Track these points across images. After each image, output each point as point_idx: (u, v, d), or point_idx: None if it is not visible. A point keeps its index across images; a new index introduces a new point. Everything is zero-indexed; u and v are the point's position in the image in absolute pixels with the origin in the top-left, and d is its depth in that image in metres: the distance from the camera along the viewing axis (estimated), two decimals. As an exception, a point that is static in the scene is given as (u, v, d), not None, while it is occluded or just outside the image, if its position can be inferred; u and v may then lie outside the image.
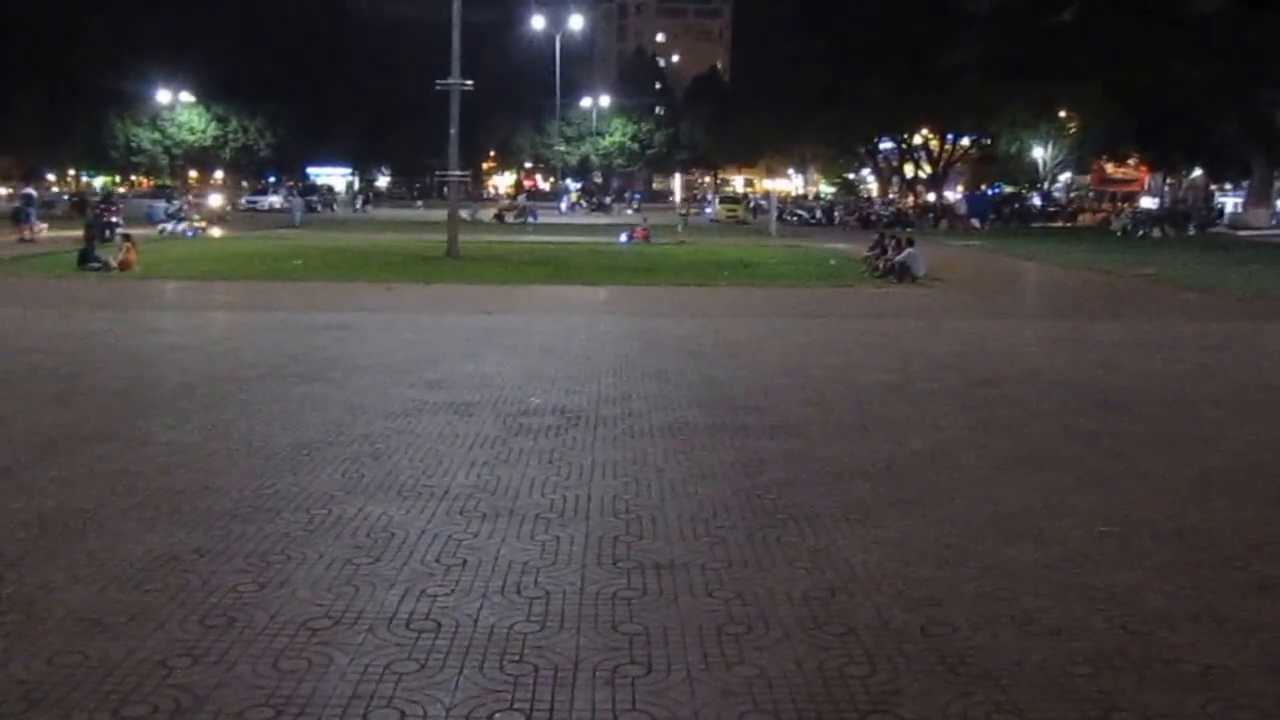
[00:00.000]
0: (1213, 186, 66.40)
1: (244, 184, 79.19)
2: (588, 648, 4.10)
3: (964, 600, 4.61)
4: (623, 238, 34.42)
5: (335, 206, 67.06)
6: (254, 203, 63.18)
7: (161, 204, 42.96)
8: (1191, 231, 47.58)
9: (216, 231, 35.96)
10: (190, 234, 34.36)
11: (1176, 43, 43.64)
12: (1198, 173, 66.57)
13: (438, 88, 27.84)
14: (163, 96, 71.97)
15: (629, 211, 64.30)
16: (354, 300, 16.89)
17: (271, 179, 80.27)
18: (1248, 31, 41.14)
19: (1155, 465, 6.98)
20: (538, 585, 4.73)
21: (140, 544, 5.19)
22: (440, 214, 35.66)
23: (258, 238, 34.43)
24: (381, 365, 10.52)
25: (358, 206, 66.18)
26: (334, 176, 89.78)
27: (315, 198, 65.88)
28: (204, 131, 78.10)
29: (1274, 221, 51.30)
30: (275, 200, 61.79)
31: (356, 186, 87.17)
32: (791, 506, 5.94)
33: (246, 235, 36.09)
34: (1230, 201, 61.21)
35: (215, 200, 44.69)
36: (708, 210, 64.94)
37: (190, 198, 46.52)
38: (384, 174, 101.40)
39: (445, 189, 31.95)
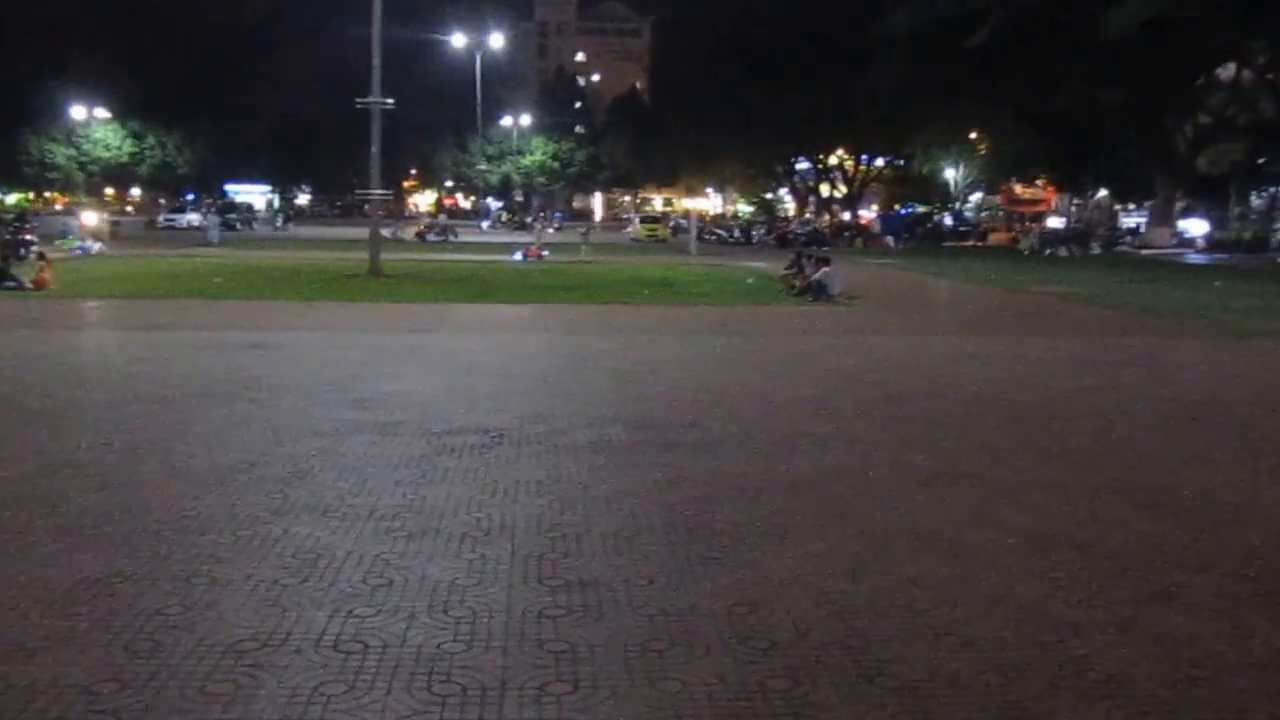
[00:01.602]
0: (1117, 207, 68.77)
1: (161, 201, 77.47)
2: (515, 666, 4.15)
3: (881, 613, 4.76)
4: (517, 255, 34.61)
5: (255, 224, 66.03)
6: (172, 221, 61.82)
7: (76, 222, 41.92)
8: (1096, 250, 49.27)
9: (97, 247, 35.21)
10: (79, 251, 33.41)
11: (1083, 67, 45.24)
12: (1103, 193, 68.90)
13: (358, 106, 27.61)
14: (77, 113, 70.21)
15: (550, 231, 64.42)
16: (276, 319, 16.67)
17: (190, 197, 78.70)
18: (1150, 57, 42.83)
19: (1064, 478, 7.25)
20: (464, 604, 4.77)
21: (63, 568, 5.12)
22: (362, 232, 35.36)
23: (176, 256, 33.69)
24: (305, 385, 10.44)
25: (278, 224, 65.29)
26: (254, 194, 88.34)
27: (235, 215, 64.69)
28: (120, 148, 76.37)
29: (1174, 241, 53.35)
30: (194, 218, 60.56)
31: (277, 204, 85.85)
32: (713, 522, 6.06)
33: (164, 254, 35.30)
34: (1134, 221, 63.51)
35: (90, 219, 43.67)
36: (628, 230, 65.37)
37: (84, 215, 45.19)
38: (304, 192, 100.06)
39: (367, 207, 31.66)
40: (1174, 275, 32.78)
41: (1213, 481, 7.28)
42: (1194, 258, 45.51)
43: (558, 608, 4.75)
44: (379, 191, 28.91)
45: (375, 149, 27.25)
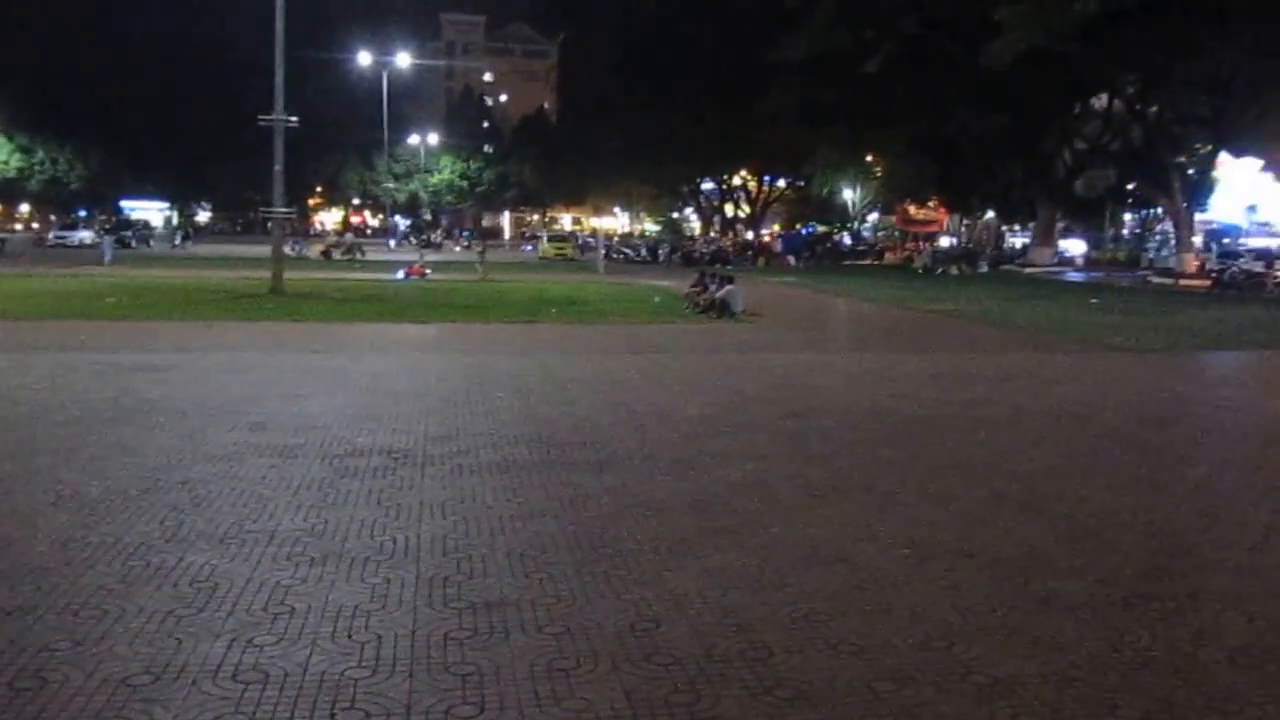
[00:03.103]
0: (1003, 227, 71.22)
1: (52, 218, 74.67)
2: (420, 690, 4.14)
3: (780, 625, 4.88)
4: (400, 274, 34.31)
5: (152, 242, 64.14)
6: (63, 238, 59.67)
7: None
8: (984, 269, 51.04)
9: None
10: None
11: (968, 95, 46.98)
12: (990, 214, 71.26)
13: (261, 123, 27.06)
14: None
15: (457, 249, 64.08)
16: (172, 340, 16.21)
17: (83, 213, 76.07)
18: (1030, 87, 44.71)
19: (951, 489, 7.50)
20: (368, 629, 4.74)
21: (-59, 603, 4.93)
22: (264, 250, 34.62)
23: (68, 275, 32.47)
24: (202, 407, 10.20)
25: (177, 242, 63.54)
26: (151, 211, 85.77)
27: (130, 233, 62.65)
28: (6, 163, 73.46)
29: (1055, 259, 55.64)
30: (86, 236, 58.51)
31: (175, 221, 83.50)
32: (617, 540, 6.13)
33: (55, 273, 34.01)
34: (1019, 241, 66.01)
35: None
36: (526, 248, 65.36)
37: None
38: (205, 209, 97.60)
39: (270, 225, 31.08)
40: (1055, 293, 34.05)
41: (1088, 490, 7.61)
42: (1073, 275, 47.47)
43: (463, 630, 4.76)
44: (282, 209, 28.35)
45: (278, 166, 26.77)
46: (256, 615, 4.88)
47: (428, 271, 35.48)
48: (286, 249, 34.97)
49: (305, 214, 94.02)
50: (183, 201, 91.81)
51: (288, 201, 30.36)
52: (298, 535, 6.12)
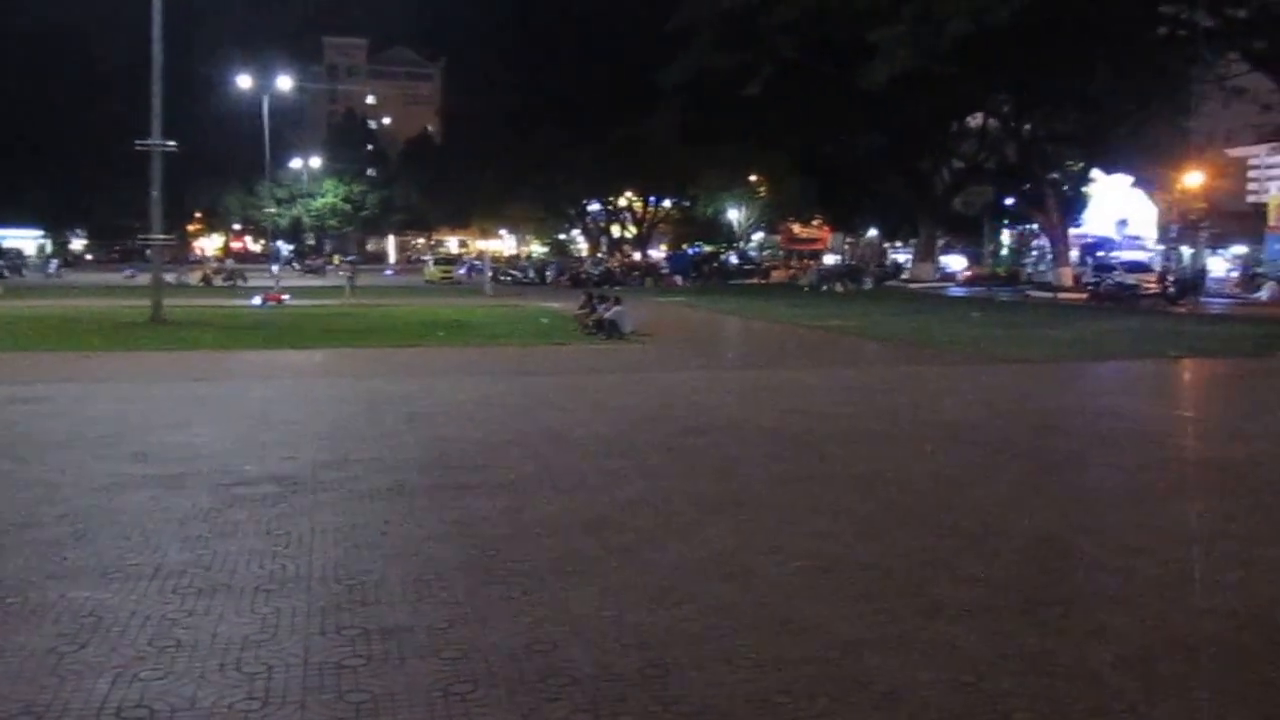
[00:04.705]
0: (886, 245, 73.34)
1: None
2: (314, 720, 4.08)
3: (678, 641, 4.92)
4: (256, 300, 33.73)
5: (26, 271, 61.42)
6: None
7: None
8: (868, 285, 52.46)
9: None
10: None
11: (847, 116, 48.38)
12: (873, 232, 73.28)
13: (138, 147, 26.22)
14: None
15: (341, 274, 62.98)
16: (48, 371, 15.58)
17: None
18: (907, 108, 46.24)
19: (844, 502, 7.67)
20: (259, 660, 4.63)
21: None
22: (143, 278, 33.44)
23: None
24: (81, 439, 9.83)
25: (51, 270, 60.92)
26: (24, 240, 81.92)
27: (2, 262, 59.85)
28: None
29: (937, 275, 57.54)
30: None
31: (49, 249, 79.94)
32: (513, 562, 6.11)
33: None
34: (902, 257, 68.06)
35: None
36: (387, 272, 64.82)
37: None
38: (80, 236, 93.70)
39: (149, 252, 30.06)
40: (939, 307, 35.17)
41: (977, 499, 7.89)
42: (955, 291, 49.07)
43: (357, 657, 4.69)
44: (161, 236, 27.52)
45: (156, 192, 25.99)
46: (142, 650, 4.73)
47: (285, 298, 34.75)
48: (169, 277, 33.94)
49: (185, 240, 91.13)
50: (57, 229, 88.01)
51: (167, 228, 29.44)
52: (184, 567, 5.95)
